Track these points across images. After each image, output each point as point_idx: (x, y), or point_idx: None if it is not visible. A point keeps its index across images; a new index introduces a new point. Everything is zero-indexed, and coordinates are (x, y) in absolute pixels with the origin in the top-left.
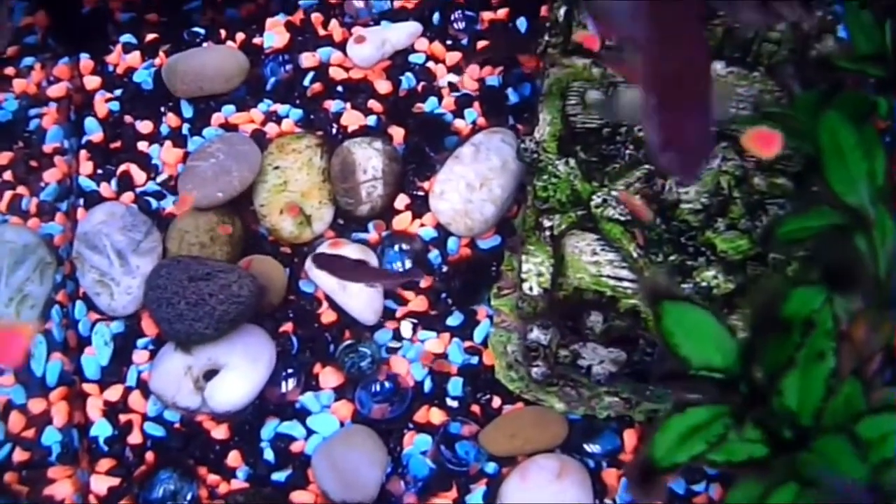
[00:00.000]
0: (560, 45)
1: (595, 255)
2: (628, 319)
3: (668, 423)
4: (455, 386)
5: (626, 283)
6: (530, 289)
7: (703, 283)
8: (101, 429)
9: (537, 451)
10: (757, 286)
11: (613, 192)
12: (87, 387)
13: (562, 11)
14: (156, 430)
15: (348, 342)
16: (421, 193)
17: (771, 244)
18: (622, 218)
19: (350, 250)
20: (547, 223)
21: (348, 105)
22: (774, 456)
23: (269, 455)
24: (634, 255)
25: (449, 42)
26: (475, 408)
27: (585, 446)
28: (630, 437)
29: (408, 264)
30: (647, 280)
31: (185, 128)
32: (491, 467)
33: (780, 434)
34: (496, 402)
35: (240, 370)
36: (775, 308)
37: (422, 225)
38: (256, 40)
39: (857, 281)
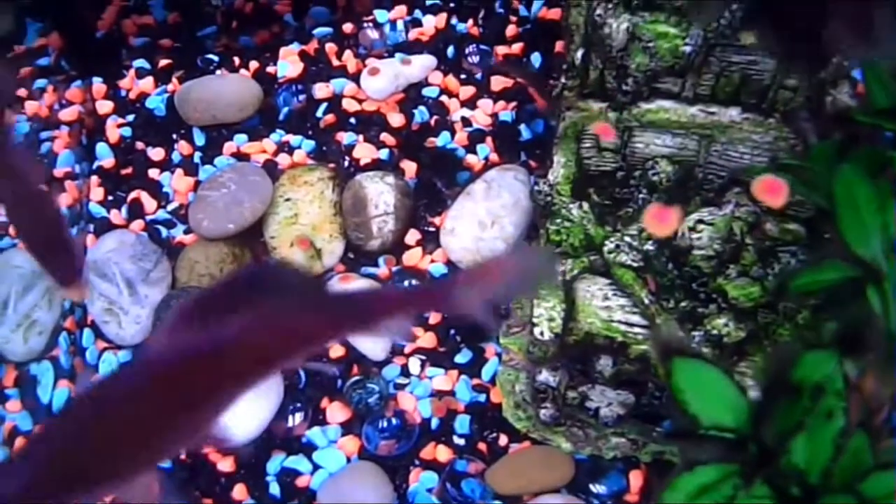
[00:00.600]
0: (576, 87)
1: (607, 300)
2: (638, 364)
3: (677, 482)
4: (462, 423)
5: (636, 329)
6: (541, 334)
7: (714, 331)
8: None
9: (543, 491)
10: (769, 350)
11: (626, 238)
12: None
13: (579, 54)
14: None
15: (356, 378)
16: (432, 229)
17: (785, 295)
18: (634, 264)
19: (360, 285)
20: (560, 267)
21: (361, 137)
22: None
23: (274, 489)
24: (646, 301)
25: (463, 76)
26: (482, 446)
27: (591, 486)
28: (636, 479)
29: None
30: (659, 335)
31: (197, 156)
32: None
33: (788, 492)
34: (503, 440)
35: (247, 403)
36: (786, 372)
37: (432, 261)
38: (270, 69)
39: (868, 341)
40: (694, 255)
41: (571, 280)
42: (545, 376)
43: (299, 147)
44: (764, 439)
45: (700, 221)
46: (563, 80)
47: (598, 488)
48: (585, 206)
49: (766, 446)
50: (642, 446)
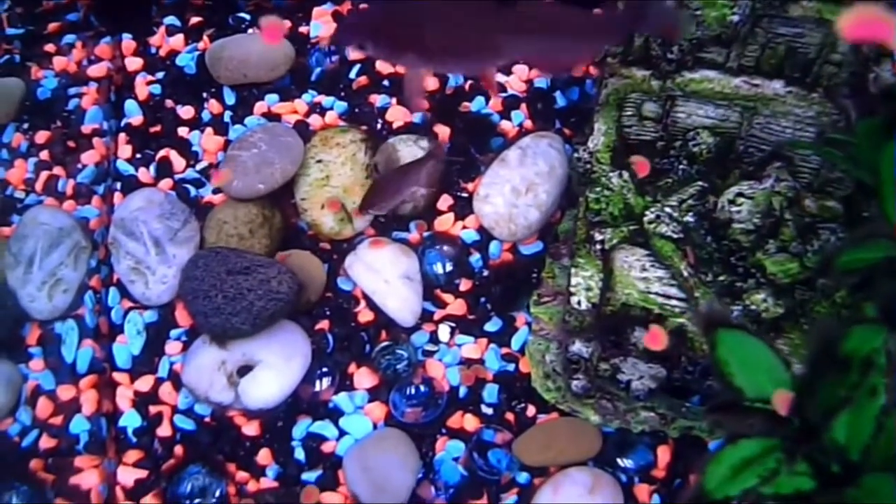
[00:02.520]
0: (620, 54)
1: (644, 272)
2: (673, 338)
3: (720, 455)
4: (490, 393)
5: (674, 302)
6: (578, 303)
7: (753, 307)
8: (131, 419)
9: (570, 463)
10: (815, 322)
11: (666, 209)
12: (117, 376)
13: None
14: (186, 424)
15: (385, 343)
16: (464, 195)
17: (828, 273)
18: (674, 235)
19: (391, 249)
20: (598, 237)
21: (394, 100)
22: (822, 490)
23: (299, 454)
24: (685, 273)
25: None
26: (509, 416)
27: (618, 460)
28: (663, 454)
29: (448, 267)
30: (703, 305)
31: (227, 115)
32: (523, 477)
33: (829, 469)
34: (531, 410)
35: (275, 367)
36: (834, 345)
37: (464, 227)
38: (303, 29)
39: None
40: (733, 229)
41: (610, 250)
42: (578, 347)
43: (331, 108)
44: (808, 413)
45: (740, 195)
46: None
47: (625, 462)
48: (626, 174)
49: (810, 421)
50: (671, 421)
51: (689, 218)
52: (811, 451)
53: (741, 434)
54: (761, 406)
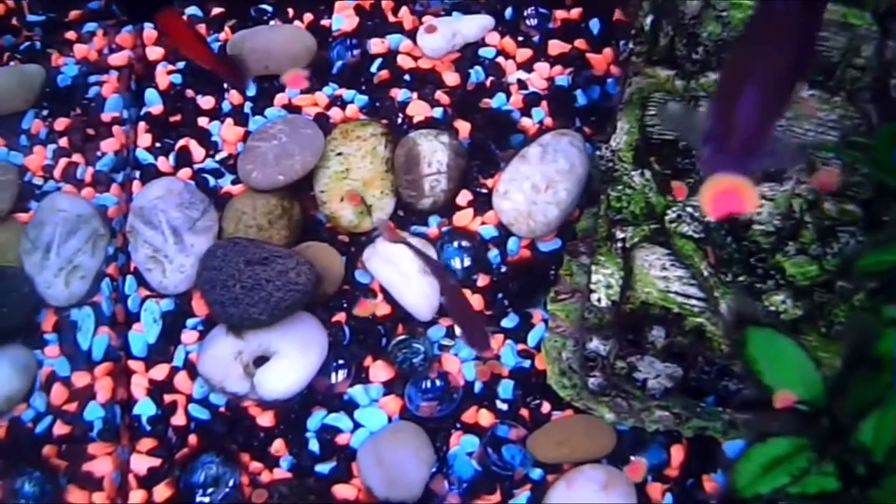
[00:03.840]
0: (644, 53)
1: (664, 271)
2: (692, 337)
3: (750, 453)
4: (506, 388)
5: (693, 301)
6: (598, 300)
7: (772, 308)
8: (145, 408)
9: (584, 461)
10: (851, 322)
11: (688, 208)
12: (132, 364)
13: (648, 20)
14: (200, 413)
15: (401, 337)
16: (484, 191)
17: (849, 275)
18: (696, 235)
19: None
20: (619, 234)
21: (415, 95)
22: (846, 490)
23: (314, 446)
24: (705, 273)
25: (520, 38)
26: (524, 412)
27: (632, 458)
28: (677, 453)
29: (466, 262)
30: (732, 302)
31: (248, 106)
32: (536, 473)
33: (854, 469)
34: (546, 407)
35: (291, 358)
36: (868, 345)
37: (483, 223)
38: (325, 22)
39: None
40: (753, 230)
41: (631, 248)
42: (595, 344)
43: (352, 102)
44: (838, 413)
45: (761, 196)
46: (630, 45)
47: (638, 460)
48: (647, 174)
49: (839, 421)
50: (685, 421)
51: (710, 218)
52: (839, 451)
53: (771, 432)
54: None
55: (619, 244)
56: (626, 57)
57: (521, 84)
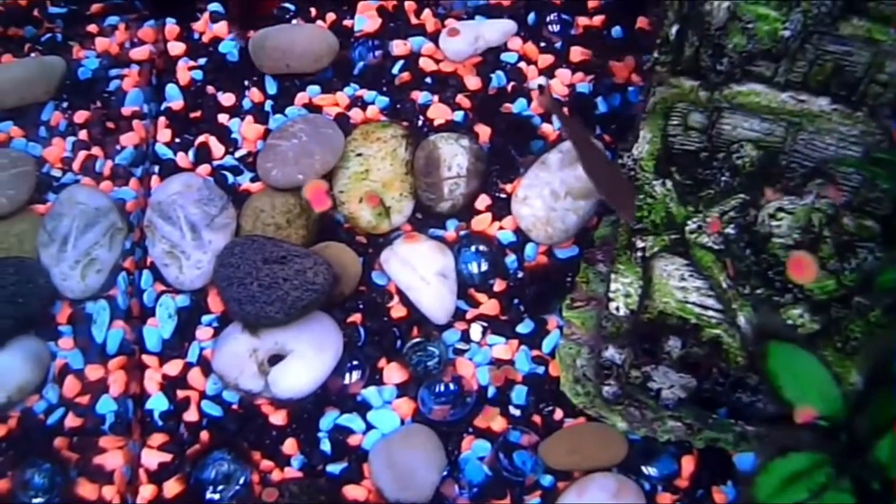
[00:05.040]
0: (669, 63)
1: (683, 281)
2: (707, 348)
3: (771, 467)
4: (519, 394)
5: (711, 312)
6: (617, 309)
7: (790, 321)
8: (158, 402)
9: (595, 469)
10: (870, 340)
11: (709, 219)
12: (146, 358)
13: (674, 30)
14: (213, 410)
15: (416, 339)
16: (503, 196)
17: (867, 291)
18: (715, 246)
19: (427, 246)
20: (640, 244)
21: (436, 98)
22: None
23: (325, 446)
24: (724, 284)
25: (542, 44)
26: (537, 418)
27: (643, 468)
28: (688, 464)
29: (483, 266)
30: (751, 316)
31: (268, 104)
32: (547, 480)
33: (870, 486)
34: (558, 414)
35: (306, 358)
36: (888, 363)
37: (501, 228)
38: (347, 22)
39: None
40: (773, 243)
41: (650, 257)
42: (611, 353)
43: (373, 103)
44: (857, 430)
45: (780, 209)
46: (655, 54)
47: (649, 470)
48: (669, 183)
49: (857, 438)
50: (697, 432)
51: (730, 230)
52: (856, 468)
53: (791, 447)
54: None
55: (639, 253)
56: (651, 66)
57: (543, 90)
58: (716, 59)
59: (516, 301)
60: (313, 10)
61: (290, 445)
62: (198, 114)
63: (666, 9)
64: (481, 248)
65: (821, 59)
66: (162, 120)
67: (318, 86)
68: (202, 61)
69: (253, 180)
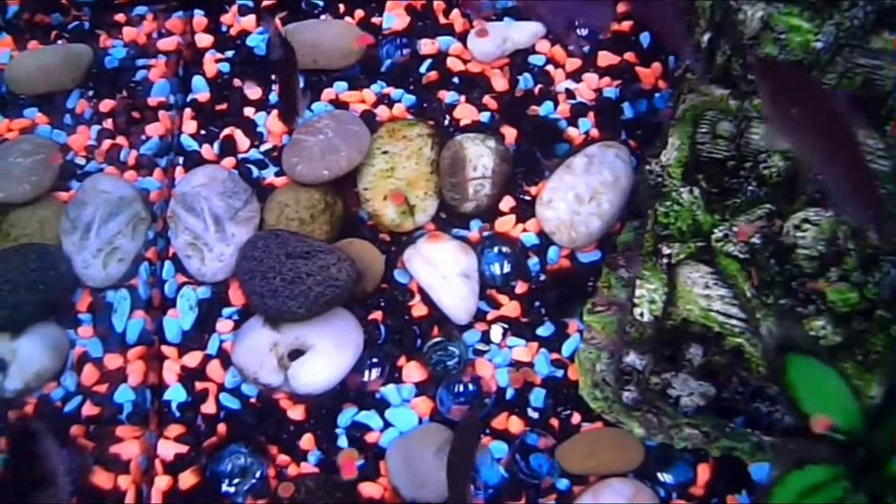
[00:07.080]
0: (700, 72)
1: (707, 289)
2: (729, 357)
3: (787, 479)
4: (537, 397)
5: (734, 321)
6: (641, 315)
7: (812, 333)
8: (176, 394)
9: (612, 474)
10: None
11: (735, 228)
12: (166, 349)
13: (705, 38)
14: (231, 403)
15: (437, 339)
16: (527, 198)
17: (889, 305)
18: (741, 255)
19: (450, 246)
20: (665, 250)
21: (463, 98)
22: None
23: (342, 442)
24: (748, 294)
25: (571, 48)
26: (554, 421)
27: (659, 475)
28: (703, 472)
29: (506, 268)
30: (773, 327)
31: None
32: (563, 483)
33: (886, 500)
34: (576, 418)
35: (326, 354)
36: None
37: (524, 230)
38: (375, 19)
39: None
40: (797, 254)
41: (675, 264)
42: (632, 358)
43: (399, 101)
44: (875, 444)
45: (806, 221)
46: (686, 61)
47: (665, 477)
48: (696, 191)
49: (875, 452)
50: (714, 440)
51: (755, 239)
52: (872, 482)
53: (808, 459)
54: (829, 434)
55: (665, 260)
56: (682, 73)
57: (570, 93)
58: (747, 68)
59: (537, 304)
60: (342, 6)
61: (307, 441)
62: (224, 106)
63: (697, 16)
64: (504, 249)
65: (851, 72)
66: (188, 111)
67: (345, 82)
68: (229, 54)
69: (277, 175)
